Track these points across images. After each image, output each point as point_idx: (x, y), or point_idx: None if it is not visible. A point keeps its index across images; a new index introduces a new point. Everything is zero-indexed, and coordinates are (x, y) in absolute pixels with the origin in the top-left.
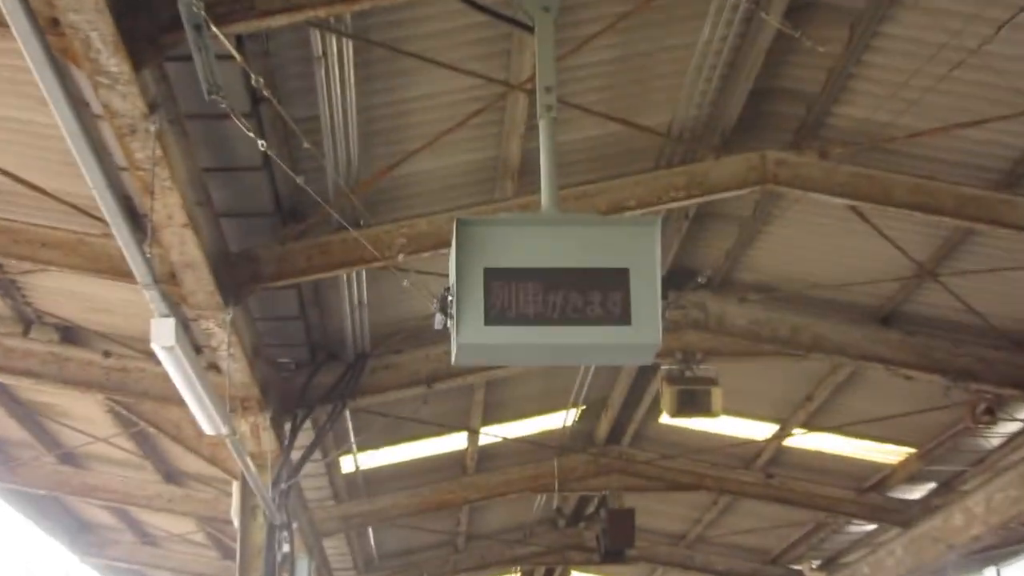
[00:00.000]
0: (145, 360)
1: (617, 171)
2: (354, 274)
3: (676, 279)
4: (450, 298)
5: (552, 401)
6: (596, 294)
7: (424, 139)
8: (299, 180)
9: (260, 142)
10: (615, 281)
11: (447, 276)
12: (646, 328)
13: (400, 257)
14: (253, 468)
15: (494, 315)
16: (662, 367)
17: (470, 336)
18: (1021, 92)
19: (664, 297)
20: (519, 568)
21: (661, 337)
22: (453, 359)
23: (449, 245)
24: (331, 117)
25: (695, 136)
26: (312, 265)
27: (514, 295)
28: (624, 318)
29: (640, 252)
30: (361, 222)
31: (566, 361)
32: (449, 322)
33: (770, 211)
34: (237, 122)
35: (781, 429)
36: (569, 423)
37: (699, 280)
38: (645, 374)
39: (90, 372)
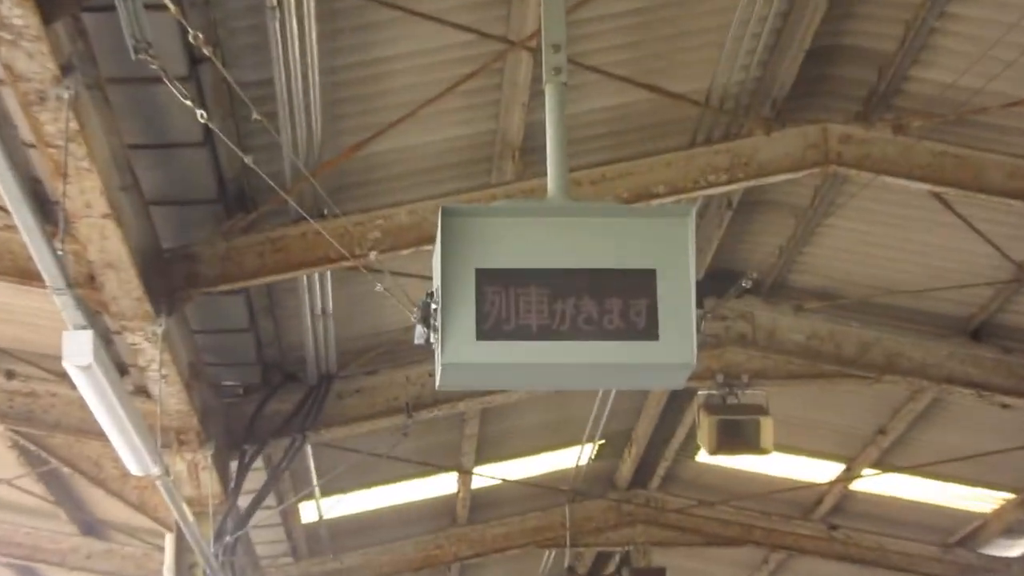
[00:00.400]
0: (57, 383)
1: (643, 149)
2: (316, 277)
3: (716, 283)
4: (434, 306)
5: (563, 435)
6: (615, 302)
7: (403, 109)
8: (247, 159)
9: (199, 112)
10: (639, 285)
11: (430, 279)
12: (677, 344)
13: (373, 255)
14: (191, 517)
15: (488, 328)
16: (699, 392)
17: (458, 354)
18: None
19: (700, 305)
20: None
21: (696, 355)
22: (437, 383)
23: (433, 240)
24: (288, 82)
25: (740, 106)
26: (265, 265)
27: (513, 303)
28: (650, 331)
29: (670, 249)
30: (325, 212)
31: (578, 385)
32: (432, 336)
33: (833, 199)
34: (171, 88)
35: (847, 470)
36: (584, 462)
37: (744, 284)
38: (678, 401)
39: None
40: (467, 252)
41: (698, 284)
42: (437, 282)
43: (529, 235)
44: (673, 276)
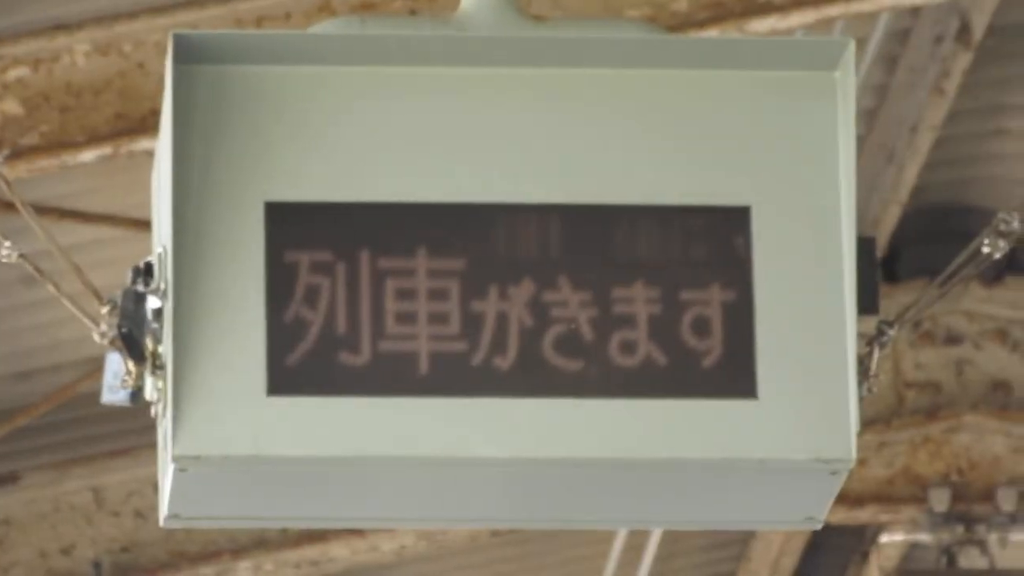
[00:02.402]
0: None
1: None
2: None
3: (921, 244)
4: (155, 304)
5: None
6: (645, 295)
7: None
8: None
9: None
10: (709, 252)
11: (144, 231)
12: (808, 408)
13: None
14: None
15: (298, 360)
16: (881, 540)
17: (217, 433)
18: None
19: (871, 308)
20: None
21: (855, 440)
22: (163, 511)
23: (153, 128)
24: None
25: None
26: None
27: (367, 296)
28: (735, 374)
29: (793, 157)
30: None
31: (553, 521)
32: (150, 385)
33: None
34: None
35: None
36: None
37: (989, 247)
38: (827, 562)
39: None
40: (241, 160)
41: (868, 244)
42: (164, 239)
43: (411, 115)
44: (797, 224)
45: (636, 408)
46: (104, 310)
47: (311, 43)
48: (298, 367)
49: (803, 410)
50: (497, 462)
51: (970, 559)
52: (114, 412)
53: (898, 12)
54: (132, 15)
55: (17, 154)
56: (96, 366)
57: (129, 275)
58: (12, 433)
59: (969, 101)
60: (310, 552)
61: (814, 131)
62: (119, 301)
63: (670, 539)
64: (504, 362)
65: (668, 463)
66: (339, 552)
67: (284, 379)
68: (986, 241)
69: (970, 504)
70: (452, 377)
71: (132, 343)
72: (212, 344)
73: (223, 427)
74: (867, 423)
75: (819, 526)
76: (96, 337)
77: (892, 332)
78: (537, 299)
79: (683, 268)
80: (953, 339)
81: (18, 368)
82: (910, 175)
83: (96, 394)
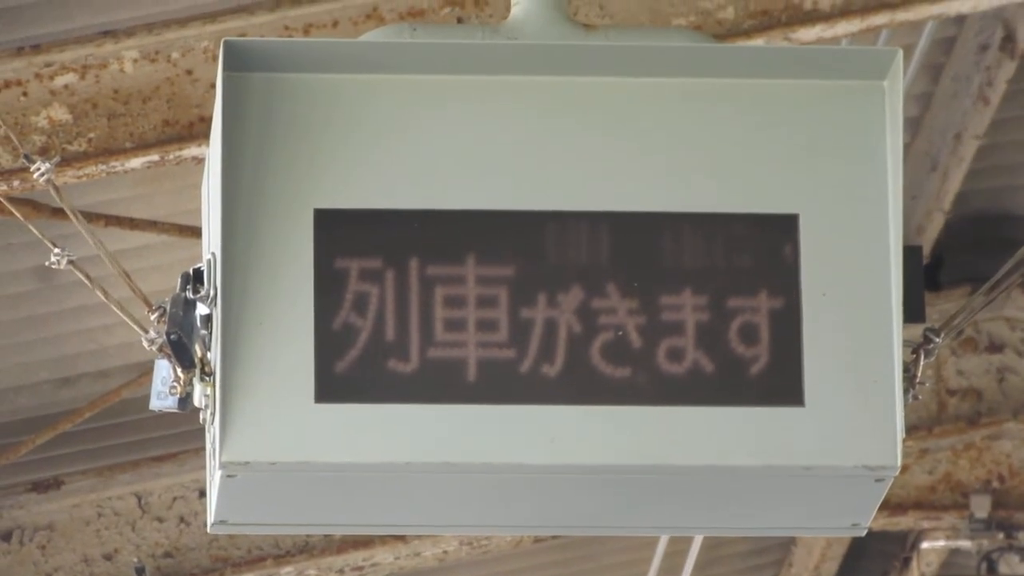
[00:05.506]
0: None
1: None
2: None
3: (967, 252)
4: (204, 311)
5: None
6: (692, 303)
7: None
8: None
9: None
10: (757, 260)
11: (195, 238)
12: (852, 414)
13: (43, 171)
14: None
15: (346, 368)
16: (923, 546)
17: (266, 440)
18: None
19: (915, 315)
20: None
21: (901, 446)
22: (211, 517)
23: (205, 135)
24: None
25: None
26: None
27: (415, 302)
28: (781, 382)
29: (841, 167)
30: None
31: (596, 527)
32: (200, 392)
33: None
34: None
35: None
36: None
37: None
38: (871, 557)
39: None
40: (291, 167)
41: (914, 252)
42: (213, 245)
43: (460, 123)
44: (845, 232)
45: (683, 415)
46: (153, 316)
47: (362, 51)
48: (346, 374)
49: (849, 417)
50: (544, 469)
51: (1011, 566)
52: (158, 418)
53: (943, 21)
54: (181, 22)
55: (64, 161)
56: (141, 372)
57: (178, 281)
58: (56, 439)
59: (1013, 109)
60: (353, 557)
61: (862, 140)
62: (168, 307)
63: (712, 545)
64: (552, 369)
65: (714, 470)
66: (382, 557)
67: (332, 386)
68: None
69: (1011, 511)
70: (500, 384)
71: (181, 349)
72: (261, 351)
73: (271, 434)
74: (909, 430)
75: (864, 533)
76: (145, 343)
77: (939, 340)
78: (585, 306)
79: (731, 276)
80: (995, 346)
81: (62, 374)
82: (953, 183)
83: (140, 400)
